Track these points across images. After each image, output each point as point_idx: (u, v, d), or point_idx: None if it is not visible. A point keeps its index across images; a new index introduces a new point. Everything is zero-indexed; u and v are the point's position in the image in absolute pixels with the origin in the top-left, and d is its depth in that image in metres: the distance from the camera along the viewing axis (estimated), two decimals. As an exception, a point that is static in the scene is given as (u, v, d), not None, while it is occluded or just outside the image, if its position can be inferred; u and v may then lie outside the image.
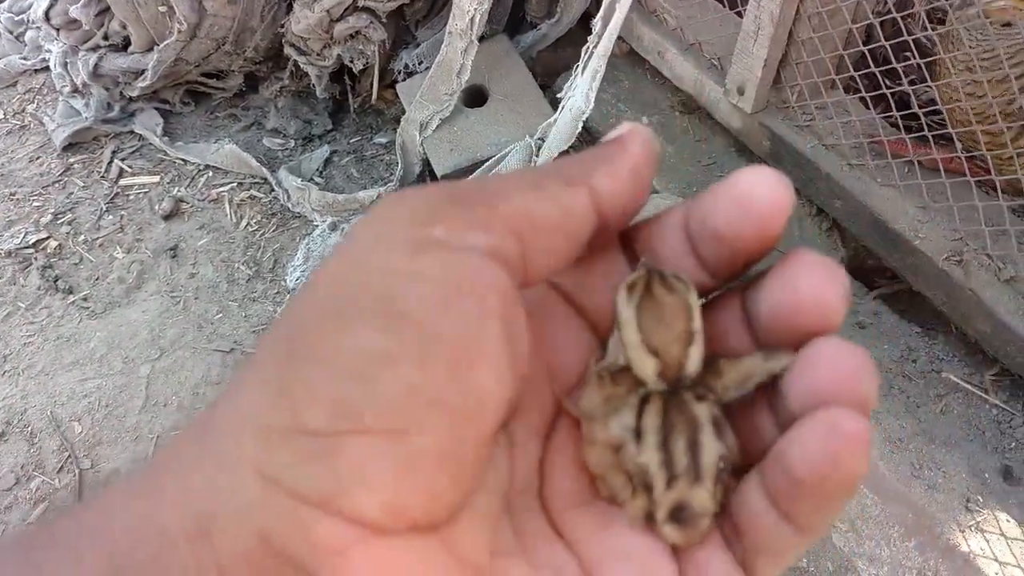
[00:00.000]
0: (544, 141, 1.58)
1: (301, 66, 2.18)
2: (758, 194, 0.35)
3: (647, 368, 0.39)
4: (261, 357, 0.32)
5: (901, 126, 1.69)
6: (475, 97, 2.10)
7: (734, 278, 0.41)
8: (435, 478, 0.29)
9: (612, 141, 0.41)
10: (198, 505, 0.28)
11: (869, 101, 1.74)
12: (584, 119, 1.56)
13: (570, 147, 1.79)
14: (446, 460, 0.29)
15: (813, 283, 0.35)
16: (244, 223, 2.02)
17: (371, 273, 0.31)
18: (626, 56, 2.22)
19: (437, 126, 2.03)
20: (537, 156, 1.55)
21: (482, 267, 0.32)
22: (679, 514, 0.38)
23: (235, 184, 2.11)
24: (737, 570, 0.37)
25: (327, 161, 2.18)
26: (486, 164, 1.66)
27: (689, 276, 0.40)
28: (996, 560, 1.24)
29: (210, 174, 2.15)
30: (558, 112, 1.54)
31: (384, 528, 0.28)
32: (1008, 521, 1.29)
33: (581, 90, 1.50)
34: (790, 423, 0.35)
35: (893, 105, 1.62)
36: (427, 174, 2.04)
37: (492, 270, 0.33)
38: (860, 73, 1.61)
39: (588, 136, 2.12)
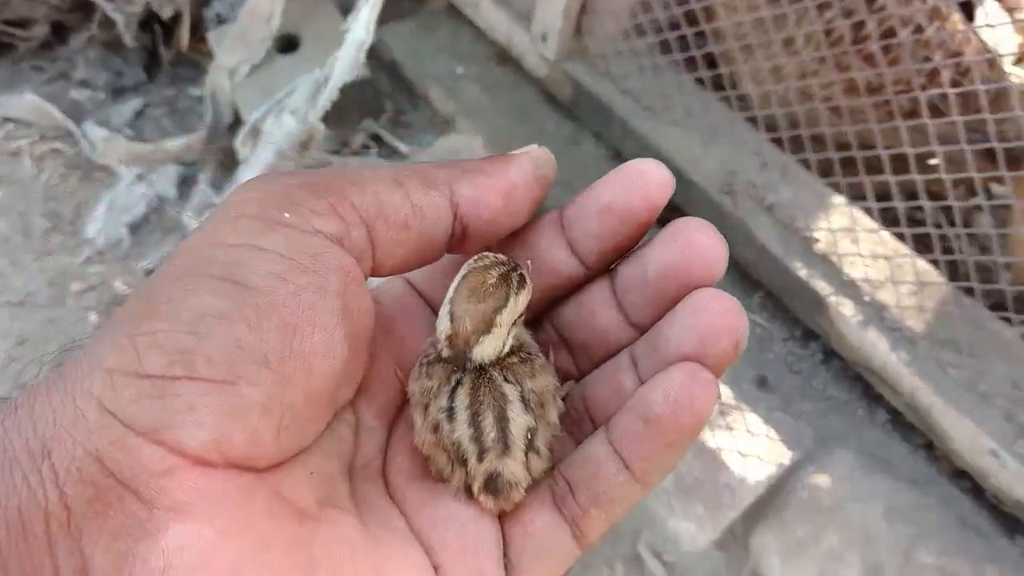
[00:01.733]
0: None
1: (108, 13, 2.11)
2: (648, 171, 0.42)
3: (440, 327, 0.42)
4: (119, 314, 0.35)
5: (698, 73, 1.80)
6: (288, 43, 2.09)
7: (608, 262, 0.45)
8: (258, 426, 0.33)
9: (499, 157, 0.44)
10: (43, 430, 0.31)
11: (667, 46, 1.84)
12: (366, 49, 1.58)
13: (369, 85, 1.81)
14: (270, 412, 0.33)
15: (702, 241, 0.41)
16: (45, 176, 1.95)
17: (221, 246, 0.35)
18: (445, 8, 2.26)
19: (248, 73, 2.01)
20: (325, 86, 1.56)
21: (325, 249, 0.36)
22: (493, 484, 0.41)
23: (37, 137, 2.03)
24: (563, 527, 0.41)
25: (139, 114, 2.12)
26: (275, 98, 1.66)
27: (533, 281, 0.43)
28: (739, 452, 1.36)
29: (10, 127, 2.05)
30: (342, 47, 1.56)
31: (206, 461, 0.32)
32: (756, 421, 1.42)
33: (362, 22, 1.53)
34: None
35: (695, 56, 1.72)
36: (238, 123, 2.02)
37: (335, 253, 0.37)
38: (650, 18, 1.70)
39: (406, 88, 2.15)
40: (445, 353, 0.42)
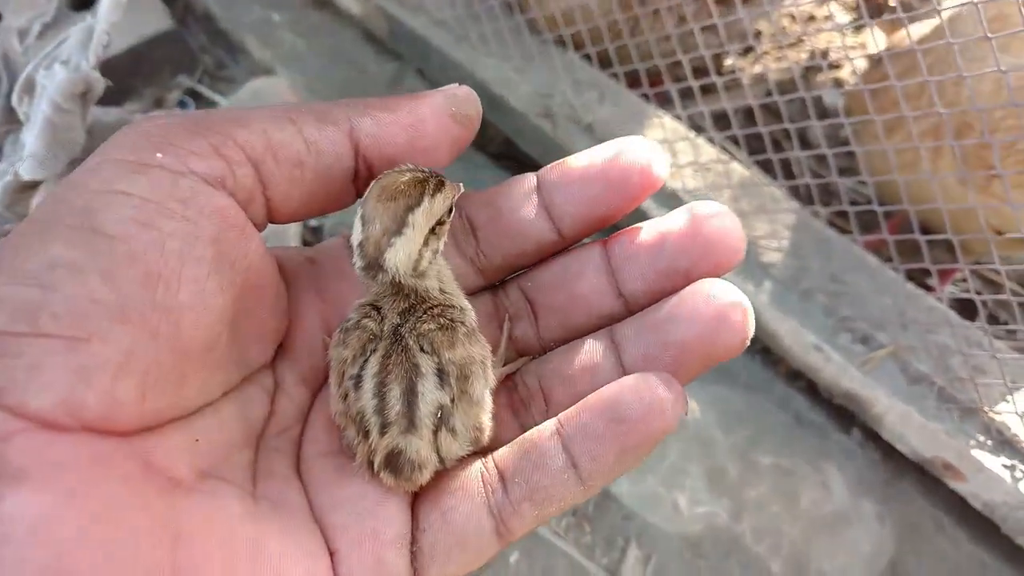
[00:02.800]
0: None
1: None
2: (640, 149, 0.40)
3: (353, 235, 0.38)
4: None
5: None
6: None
7: (585, 233, 0.43)
8: (115, 386, 0.30)
9: (410, 95, 0.41)
10: None
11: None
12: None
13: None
14: (129, 371, 0.30)
15: (729, 228, 0.39)
16: None
17: (82, 193, 0.32)
18: (255, -47, 2.11)
19: (40, 32, 1.82)
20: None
21: (197, 192, 0.33)
22: (394, 461, 0.38)
23: None
24: (487, 519, 0.37)
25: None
26: (46, 50, 1.50)
27: (457, 191, 0.42)
28: None
29: None
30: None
31: (56, 424, 0.29)
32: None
33: (123, -44, 1.38)
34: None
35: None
36: (24, 87, 1.82)
37: (210, 195, 0.34)
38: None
39: (223, 40, 2.00)
40: (358, 264, 0.39)
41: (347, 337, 0.39)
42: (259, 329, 0.37)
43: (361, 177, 0.40)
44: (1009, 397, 1.22)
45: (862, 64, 1.51)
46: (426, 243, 0.38)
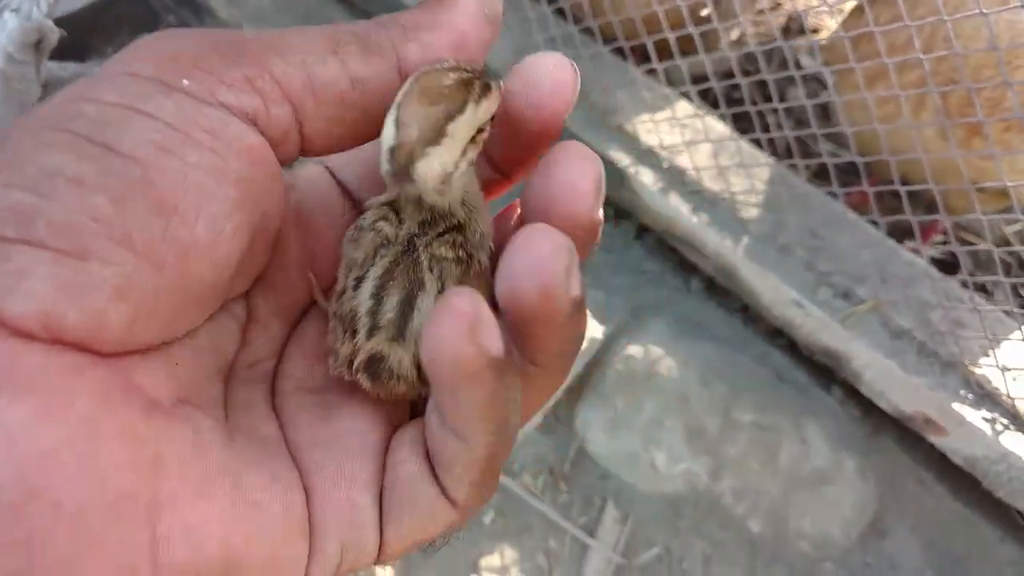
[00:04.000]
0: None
1: None
2: (546, 68, 0.34)
3: (384, 137, 0.34)
4: None
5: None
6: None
7: (517, 170, 0.39)
8: (107, 308, 0.27)
9: (443, 5, 0.36)
10: None
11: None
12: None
13: None
14: (125, 297, 0.28)
15: (571, 170, 0.34)
16: None
17: (96, 104, 0.29)
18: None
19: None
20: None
21: (228, 125, 0.30)
22: (374, 366, 0.36)
23: None
24: (429, 482, 0.34)
25: None
26: (-3, 1, 1.43)
27: (500, 86, 0.36)
28: None
29: None
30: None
31: (31, 334, 0.26)
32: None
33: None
34: None
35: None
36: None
37: (241, 131, 0.31)
38: None
39: (187, 0, 1.94)
40: (386, 169, 0.35)
41: (360, 237, 0.37)
42: (252, 264, 0.35)
43: None
44: (990, 351, 1.20)
45: (843, 12, 1.48)
46: (464, 153, 0.35)
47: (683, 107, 1.44)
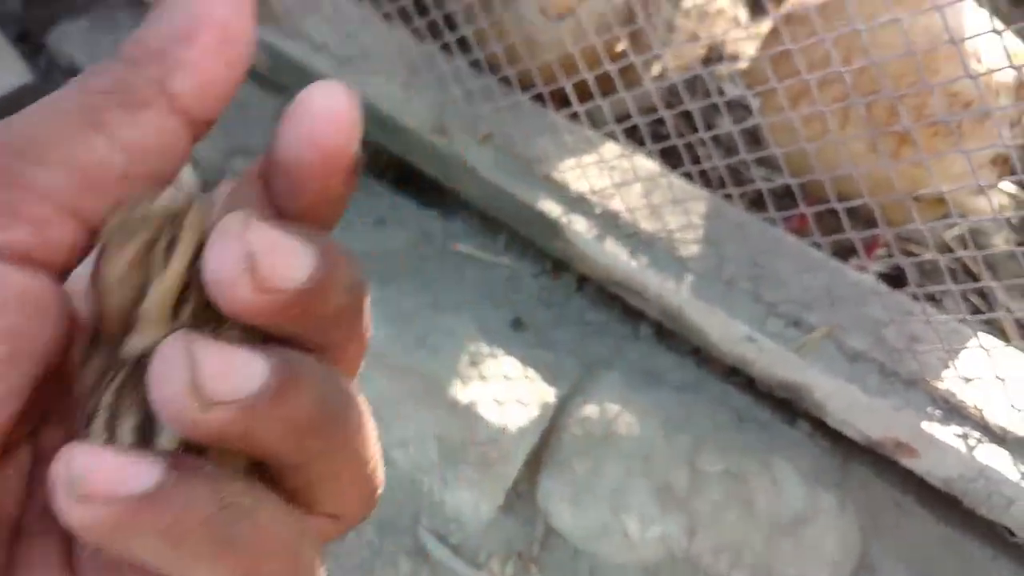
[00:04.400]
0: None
1: None
2: (318, 105, 0.27)
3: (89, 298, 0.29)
4: None
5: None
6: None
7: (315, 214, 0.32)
8: None
9: (182, 8, 0.28)
10: None
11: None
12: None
13: None
14: None
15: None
16: None
17: None
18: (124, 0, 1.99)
19: None
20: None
21: None
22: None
23: None
24: None
25: None
26: None
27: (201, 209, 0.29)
28: (496, 401, 1.21)
29: None
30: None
31: None
32: (512, 364, 1.27)
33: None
34: None
35: None
36: None
37: (7, 277, 0.24)
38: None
39: None
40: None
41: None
42: (35, 409, 0.29)
43: (196, 139, 0.29)
44: (950, 363, 1.16)
45: (760, 36, 1.46)
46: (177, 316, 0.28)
47: (610, 148, 1.40)
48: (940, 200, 1.21)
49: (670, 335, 1.37)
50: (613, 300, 1.42)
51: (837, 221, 1.14)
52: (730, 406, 1.31)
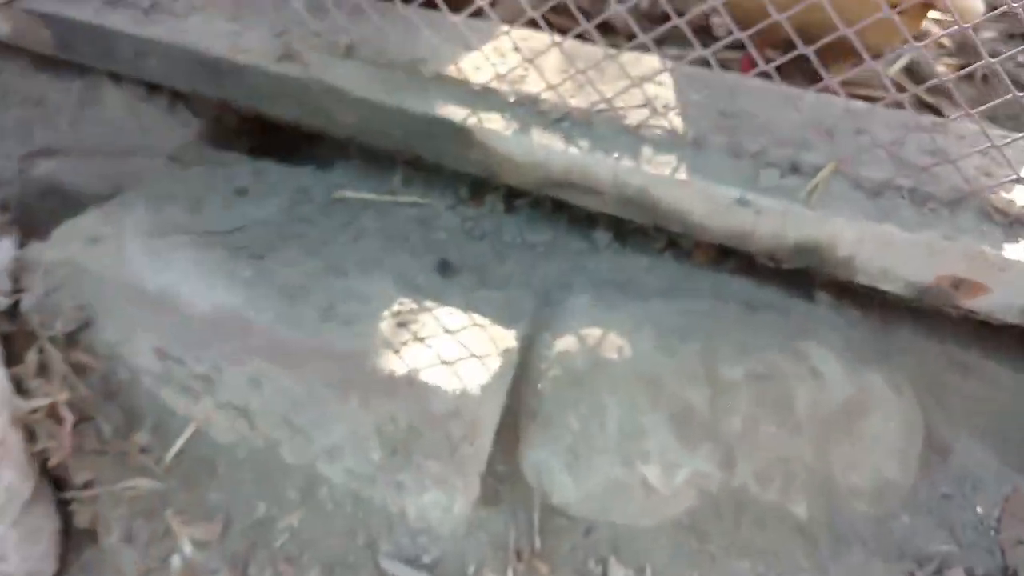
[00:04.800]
0: None
1: None
2: None
3: None
4: None
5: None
6: None
7: None
8: None
9: None
10: None
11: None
12: None
13: None
14: None
15: None
16: None
17: None
18: None
19: None
20: None
21: None
22: None
23: None
24: None
25: None
26: None
27: None
28: (443, 362, 0.89)
29: None
30: None
31: None
32: (451, 314, 0.96)
33: None
34: None
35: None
36: None
37: None
38: None
39: None
40: None
41: None
42: None
43: None
44: (992, 168, 0.91)
45: None
46: None
47: (507, 30, 1.10)
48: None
49: (635, 234, 1.09)
50: (557, 211, 1.13)
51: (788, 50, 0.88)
52: (733, 296, 1.03)
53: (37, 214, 1.28)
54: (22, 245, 1.08)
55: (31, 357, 0.98)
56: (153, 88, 1.34)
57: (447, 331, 0.94)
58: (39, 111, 1.36)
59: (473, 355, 0.91)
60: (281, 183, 1.21)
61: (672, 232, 1.03)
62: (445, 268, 1.07)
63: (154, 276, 1.02)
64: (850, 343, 1.00)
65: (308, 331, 0.94)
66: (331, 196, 1.18)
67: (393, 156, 1.20)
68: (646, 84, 1.01)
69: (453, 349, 0.92)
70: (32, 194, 1.27)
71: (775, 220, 0.93)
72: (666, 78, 1.05)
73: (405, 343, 0.92)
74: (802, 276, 1.03)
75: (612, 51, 1.01)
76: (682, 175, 0.95)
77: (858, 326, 1.02)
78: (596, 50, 1.07)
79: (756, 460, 0.96)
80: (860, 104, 0.99)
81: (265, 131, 1.39)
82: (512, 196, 1.15)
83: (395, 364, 0.90)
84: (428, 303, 0.98)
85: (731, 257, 1.05)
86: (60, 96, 1.38)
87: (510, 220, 1.13)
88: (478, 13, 1.04)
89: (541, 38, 1.10)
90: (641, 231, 1.08)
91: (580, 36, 0.99)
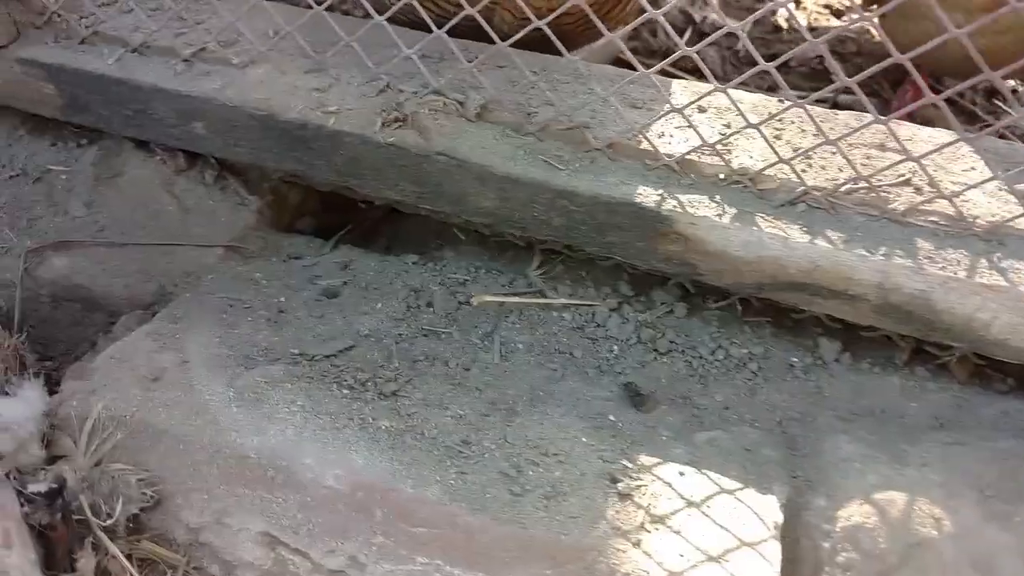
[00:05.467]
0: None
1: None
2: None
3: None
4: None
5: None
6: None
7: None
8: None
9: None
10: None
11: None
12: None
13: None
14: None
15: None
16: None
17: None
18: None
19: None
20: None
21: None
22: None
23: None
24: None
25: None
26: None
27: None
28: (706, 555, 0.63)
29: None
30: None
31: None
32: (682, 474, 0.70)
33: None
34: None
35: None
36: None
37: None
38: None
39: None
40: None
41: None
42: None
43: None
44: None
45: None
46: None
47: (683, 84, 0.86)
48: None
49: (867, 343, 0.85)
50: (758, 313, 0.88)
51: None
52: (999, 422, 0.80)
53: (52, 329, 0.97)
54: (51, 389, 0.77)
55: (85, 562, 0.67)
56: (193, 157, 1.05)
57: (689, 503, 0.68)
58: (42, 189, 1.05)
59: (740, 542, 0.65)
60: (382, 281, 0.93)
61: (926, 340, 0.80)
62: (637, 397, 0.81)
63: (252, 431, 0.73)
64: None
65: (498, 514, 0.66)
66: (456, 299, 0.91)
67: (529, 241, 0.94)
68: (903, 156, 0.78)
69: (708, 532, 0.66)
70: (44, 301, 0.96)
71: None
72: (917, 144, 0.82)
73: (643, 526, 0.66)
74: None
75: (863, 116, 0.77)
76: (983, 279, 0.72)
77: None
78: (830, 112, 0.84)
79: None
80: None
81: (330, 207, 1.12)
82: (701, 295, 0.90)
83: (643, 562, 0.64)
84: (645, 457, 0.72)
85: (1000, 371, 0.82)
86: (69, 170, 1.07)
87: (698, 327, 0.88)
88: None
89: (745, 96, 0.86)
90: (877, 339, 0.84)
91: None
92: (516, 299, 0.90)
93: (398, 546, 0.67)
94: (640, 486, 0.69)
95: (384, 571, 0.67)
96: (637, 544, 0.64)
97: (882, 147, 0.86)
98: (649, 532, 0.65)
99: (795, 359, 0.85)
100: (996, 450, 0.73)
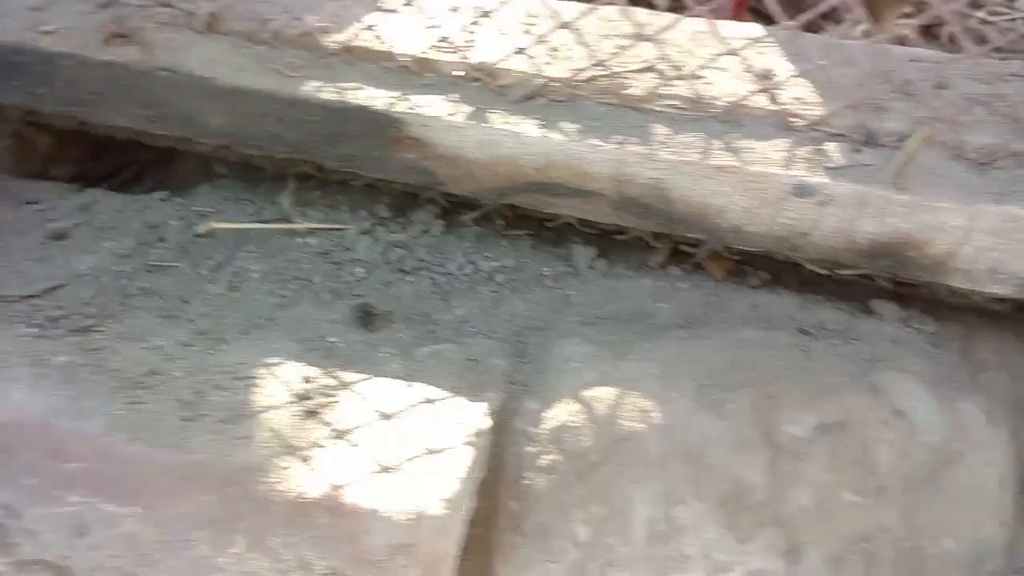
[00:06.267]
0: None
1: None
2: None
3: None
4: None
5: None
6: None
7: None
8: None
9: None
10: None
11: None
12: None
13: None
14: None
15: None
16: None
17: None
18: None
19: None
20: None
21: None
22: None
23: None
24: None
25: None
26: None
27: None
28: (382, 466, 0.57)
29: None
30: None
31: None
32: (384, 388, 0.63)
33: None
34: None
35: None
36: None
37: None
38: None
39: None
40: None
41: None
42: None
43: None
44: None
45: None
46: None
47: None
48: None
49: (625, 247, 0.80)
50: (517, 222, 0.82)
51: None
52: (776, 322, 0.75)
53: None
54: None
55: None
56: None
57: (383, 415, 0.62)
58: None
59: (427, 450, 0.59)
60: (120, 220, 0.86)
61: (680, 239, 0.75)
62: (367, 318, 0.75)
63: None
64: (939, 367, 0.73)
65: (162, 441, 0.59)
66: (194, 231, 0.84)
67: (282, 170, 0.87)
68: (642, 48, 0.72)
69: (394, 443, 0.59)
70: None
71: (845, 212, 0.65)
72: (672, 33, 0.76)
73: (319, 443, 0.59)
74: (854, 287, 0.76)
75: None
76: (716, 160, 0.66)
77: (939, 345, 0.76)
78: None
79: (829, 542, 0.68)
80: (927, 52, 0.74)
81: (97, 153, 1.03)
82: (452, 210, 0.84)
83: (305, 479, 0.57)
84: (348, 374, 0.66)
85: (770, 264, 0.77)
86: None
87: (452, 243, 0.82)
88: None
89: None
90: (638, 243, 0.78)
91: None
92: (256, 226, 0.83)
93: (50, 486, 0.59)
94: (331, 403, 0.63)
95: (38, 516, 0.59)
96: (305, 460, 0.58)
97: (638, 37, 0.80)
98: (323, 447, 0.59)
99: (547, 269, 0.79)
100: (734, 340, 0.68)
